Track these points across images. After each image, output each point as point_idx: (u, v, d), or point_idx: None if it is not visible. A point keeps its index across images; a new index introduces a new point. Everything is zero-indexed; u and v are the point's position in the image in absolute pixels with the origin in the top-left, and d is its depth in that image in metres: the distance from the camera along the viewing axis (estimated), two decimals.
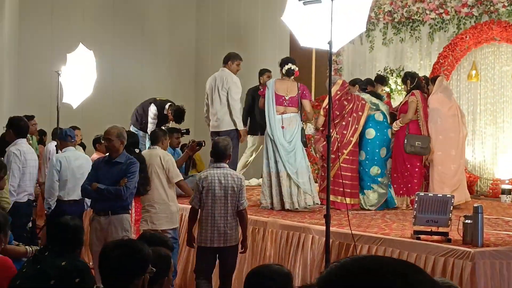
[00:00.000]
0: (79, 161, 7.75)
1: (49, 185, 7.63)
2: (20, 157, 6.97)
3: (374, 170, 8.34)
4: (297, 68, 8.37)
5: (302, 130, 8.28)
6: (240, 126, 8.79)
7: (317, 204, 8.11)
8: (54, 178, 7.58)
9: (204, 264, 6.39)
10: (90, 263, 6.52)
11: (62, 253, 4.30)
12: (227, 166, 6.37)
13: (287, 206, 7.97)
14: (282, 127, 8.11)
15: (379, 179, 8.37)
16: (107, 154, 6.67)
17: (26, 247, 5.03)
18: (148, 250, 3.23)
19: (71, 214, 6.14)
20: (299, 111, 8.26)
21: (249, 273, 3.29)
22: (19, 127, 7.14)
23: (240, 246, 6.42)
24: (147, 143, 9.81)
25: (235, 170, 8.69)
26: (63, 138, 7.96)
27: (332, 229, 5.75)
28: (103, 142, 6.73)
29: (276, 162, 8.11)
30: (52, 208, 7.55)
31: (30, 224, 7.29)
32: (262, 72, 9.81)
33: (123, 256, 3.16)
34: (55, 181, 7.57)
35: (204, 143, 8.94)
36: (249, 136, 9.90)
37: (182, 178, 7.55)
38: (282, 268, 3.35)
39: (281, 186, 8.05)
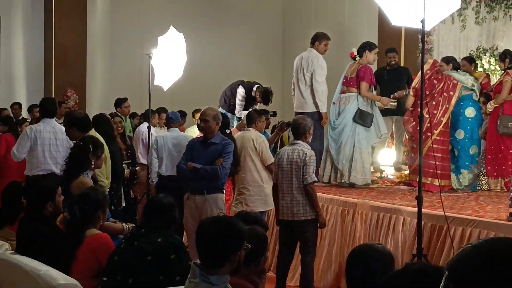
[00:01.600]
0: (177, 140, 8.24)
1: (149, 162, 8.27)
2: (31, 134, 7.41)
3: (473, 149, 8.21)
4: (352, 49, 8.86)
5: (358, 110, 8.51)
6: (323, 109, 8.73)
7: (353, 183, 8.44)
8: (153, 155, 8.18)
9: (282, 235, 6.49)
10: (185, 241, 6.65)
11: (157, 230, 4.41)
12: (303, 143, 6.39)
13: (337, 180, 8.52)
14: (333, 103, 8.70)
15: (477, 158, 8.26)
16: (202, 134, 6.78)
17: (123, 224, 5.18)
18: (244, 227, 3.25)
19: (171, 189, 7.20)
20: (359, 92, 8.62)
21: (352, 253, 3.22)
22: (43, 108, 7.76)
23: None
24: (235, 125, 9.92)
25: (322, 150, 8.76)
26: (168, 120, 8.73)
27: (423, 210, 5.66)
28: (199, 123, 6.83)
29: (327, 138, 8.71)
30: (155, 182, 8.16)
31: (123, 204, 7.50)
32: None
33: (219, 232, 3.17)
34: (153, 158, 8.17)
35: None
36: None
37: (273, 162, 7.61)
38: (385, 248, 3.25)
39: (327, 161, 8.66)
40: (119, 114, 9.83)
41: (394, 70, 9.39)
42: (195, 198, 6.57)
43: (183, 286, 3.51)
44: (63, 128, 7.26)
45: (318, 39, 8.90)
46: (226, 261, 3.18)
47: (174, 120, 8.58)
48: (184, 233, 7.23)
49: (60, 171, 6.94)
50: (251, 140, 7.37)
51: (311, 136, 6.59)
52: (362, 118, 8.47)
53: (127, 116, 10.92)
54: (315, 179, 6.36)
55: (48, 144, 7.43)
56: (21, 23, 13.25)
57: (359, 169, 8.48)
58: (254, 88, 9.91)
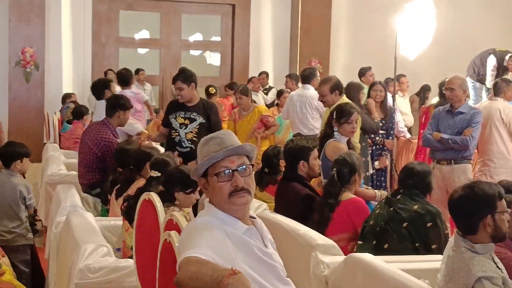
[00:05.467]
0: None
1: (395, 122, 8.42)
2: (288, 99, 8.85)
3: None
4: None
5: None
6: None
7: None
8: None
9: None
10: None
11: (413, 197, 4.40)
12: None
13: None
14: None
15: None
16: (448, 104, 6.63)
17: (375, 191, 5.23)
18: (492, 191, 3.15)
19: None
20: None
21: None
22: (301, 75, 8.90)
23: None
24: (484, 96, 9.54)
25: None
26: None
27: None
28: (445, 91, 6.70)
29: None
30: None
31: (370, 171, 7.52)
32: None
33: (462, 196, 3.17)
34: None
35: None
36: None
37: None
38: None
39: None
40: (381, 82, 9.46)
41: None
42: (442, 167, 6.50)
43: (440, 255, 3.50)
44: (313, 93, 8.26)
45: None
46: (476, 227, 3.12)
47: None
48: None
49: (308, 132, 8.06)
50: (498, 110, 7.11)
51: None
52: None
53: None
54: None
55: (298, 106, 8.40)
56: None
57: None
58: (507, 58, 9.45)
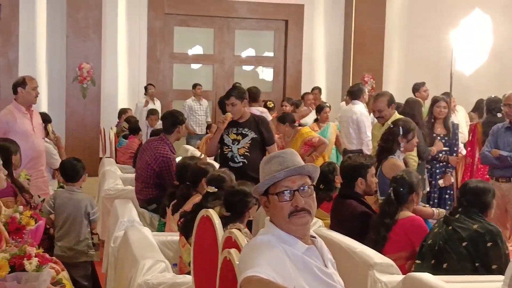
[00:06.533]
0: None
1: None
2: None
3: None
4: None
5: None
6: None
7: None
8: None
9: None
10: None
11: (472, 216, 4.32)
12: None
13: None
14: None
15: None
16: (507, 120, 6.54)
17: (433, 209, 5.14)
18: None
19: None
20: None
21: None
22: (348, 91, 9.19)
23: None
24: None
25: None
26: None
27: None
28: (503, 108, 6.59)
29: None
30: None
31: (427, 188, 7.41)
32: None
33: None
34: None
35: None
36: None
37: None
38: None
39: None
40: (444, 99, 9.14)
41: None
42: (501, 185, 6.41)
43: (501, 276, 3.43)
44: (354, 108, 8.53)
45: None
46: None
47: None
48: None
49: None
50: None
51: None
52: None
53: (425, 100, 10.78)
54: None
55: (345, 122, 8.68)
56: (323, 10, 13.76)
57: None
58: None
